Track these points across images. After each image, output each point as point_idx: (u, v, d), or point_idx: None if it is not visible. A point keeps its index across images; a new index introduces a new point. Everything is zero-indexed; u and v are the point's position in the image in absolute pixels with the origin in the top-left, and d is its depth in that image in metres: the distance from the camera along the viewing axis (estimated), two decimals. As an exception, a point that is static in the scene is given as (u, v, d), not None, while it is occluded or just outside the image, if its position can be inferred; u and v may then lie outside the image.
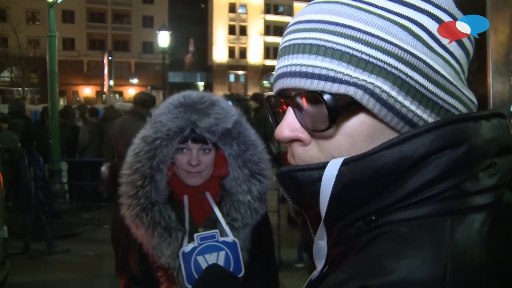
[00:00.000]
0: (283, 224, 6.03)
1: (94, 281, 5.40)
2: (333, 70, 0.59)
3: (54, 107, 7.56)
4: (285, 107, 0.66)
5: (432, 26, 0.59)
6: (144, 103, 5.57)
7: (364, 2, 0.60)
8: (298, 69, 0.61)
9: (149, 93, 6.89)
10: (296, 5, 62.80)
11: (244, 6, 60.83)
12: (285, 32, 0.67)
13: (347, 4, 0.60)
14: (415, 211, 0.56)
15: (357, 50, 0.58)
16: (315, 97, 0.60)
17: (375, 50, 0.58)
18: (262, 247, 1.80)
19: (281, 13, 62.87)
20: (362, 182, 0.58)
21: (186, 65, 59.88)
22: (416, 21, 0.59)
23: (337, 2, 0.61)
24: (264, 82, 62.96)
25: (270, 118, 0.73)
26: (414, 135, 0.57)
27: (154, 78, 46.15)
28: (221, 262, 1.61)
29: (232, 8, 60.31)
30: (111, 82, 33.81)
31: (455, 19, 0.61)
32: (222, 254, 1.62)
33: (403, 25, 0.58)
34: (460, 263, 0.51)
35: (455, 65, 0.61)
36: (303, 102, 0.63)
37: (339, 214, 0.61)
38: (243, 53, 61.72)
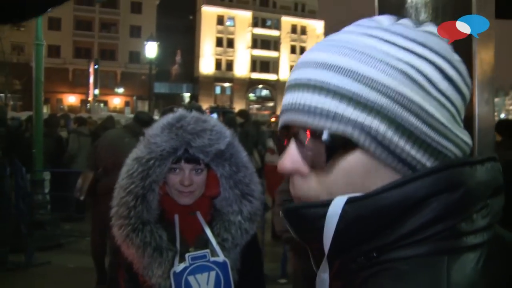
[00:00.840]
0: (266, 239, 6.04)
1: (75, 294, 5.34)
2: (333, 109, 0.62)
3: (39, 116, 7.51)
4: (289, 140, 0.70)
5: (430, 71, 0.63)
6: (141, 122, 5.56)
7: (366, 45, 0.64)
8: (301, 106, 0.65)
9: (148, 114, 6.94)
10: (284, 19, 63.41)
11: (232, 19, 61.23)
12: (293, 69, 0.71)
13: (350, 48, 0.64)
14: (414, 250, 0.60)
15: (356, 92, 0.62)
16: (315, 133, 0.64)
17: (374, 92, 0.61)
18: (252, 267, 1.82)
19: (269, 27, 63.38)
20: (365, 220, 0.61)
21: (172, 76, 59.86)
22: (415, 66, 0.62)
23: (340, 45, 0.65)
24: (250, 95, 63.16)
25: (276, 149, 0.77)
26: (415, 178, 0.60)
27: (140, 88, 46.09)
28: (211, 282, 1.63)
29: (220, 21, 60.66)
30: (96, 91, 33.64)
31: (451, 64, 0.64)
32: (212, 274, 1.64)
33: (402, 69, 0.62)
34: None
35: (451, 108, 0.65)
36: (304, 137, 0.66)
37: (341, 249, 0.64)
38: (229, 65, 61.99)
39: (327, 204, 0.63)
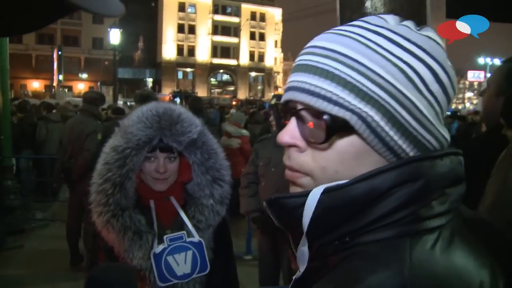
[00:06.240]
0: (232, 217, 6.10)
1: (48, 276, 5.24)
2: (336, 94, 0.67)
3: (6, 104, 7.24)
4: (289, 116, 0.74)
5: (424, 73, 0.68)
6: (94, 101, 5.60)
7: (372, 42, 0.68)
8: (307, 87, 0.69)
9: (98, 92, 6.93)
10: (244, 6, 62.89)
11: (193, 5, 60.26)
12: (302, 52, 0.75)
13: (358, 41, 0.69)
14: (382, 234, 0.66)
15: (359, 82, 0.66)
16: (317, 114, 0.69)
17: (374, 85, 0.66)
18: (223, 246, 1.87)
19: (229, 14, 62.80)
20: (338, 209, 0.67)
21: (135, 62, 58.61)
22: (413, 66, 0.67)
23: (350, 37, 0.70)
24: (211, 79, 62.68)
25: (275, 121, 0.82)
26: (381, 171, 0.66)
27: (104, 73, 44.92)
28: (189, 261, 1.68)
29: (182, 7, 59.62)
30: (61, 77, 32.65)
31: (444, 69, 0.70)
32: (189, 253, 1.68)
33: (401, 68, 0.67)
34: (418, 275, 0.61)
35: (437, 107, 0.71)
36: (306, 115, 0.71)
37: (318, 233, 0.70)
38: (191, 51, 61.21)
39: (305, 195, 0.69)
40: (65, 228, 5.51)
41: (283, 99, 0.75)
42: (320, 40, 0.72)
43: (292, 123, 0.73)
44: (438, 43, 0.72)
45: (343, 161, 0.70)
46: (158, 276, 1.62)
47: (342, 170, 0.70)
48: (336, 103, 0.67)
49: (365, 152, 0.69)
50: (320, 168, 0.71)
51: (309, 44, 0.74)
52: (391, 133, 0.67)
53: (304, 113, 0.71)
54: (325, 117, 0.67)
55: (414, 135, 0.69)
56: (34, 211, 7.53)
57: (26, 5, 0.65)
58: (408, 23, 0.73)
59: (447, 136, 0.73)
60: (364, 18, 0.74)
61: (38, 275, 5.25)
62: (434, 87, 0.69)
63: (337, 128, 0.67)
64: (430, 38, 0.71)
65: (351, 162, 0.69)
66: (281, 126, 0.77)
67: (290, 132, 0.73)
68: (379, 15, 0.74)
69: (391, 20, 0.73)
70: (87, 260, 5.31)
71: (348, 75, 0.67)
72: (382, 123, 0.67)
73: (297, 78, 0.71)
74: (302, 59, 0.73)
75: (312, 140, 0.70)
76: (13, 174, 7.31)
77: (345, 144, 0.69)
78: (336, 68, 0.67)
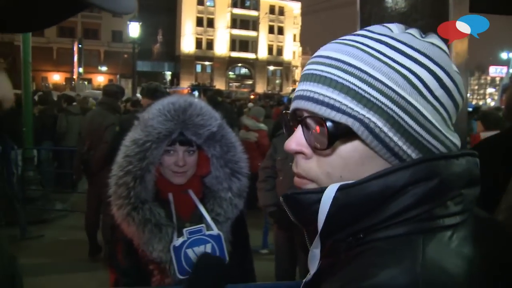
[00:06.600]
0: (248, 211, 6.12)
1: (68, 265, 5.34)
2: (339, 101, 0.68)
3: (28, 96, 7.37)
4: (297, 124, 0.76)
5: (428, 78, 0.68)
6: (114, 94, 5.64)
7: (374, 49, 0.69)
8: (311, 95, 0.71)
9: (118, 85, 6.96)
10: (262, 0, 62.63)
11: (212, -1, 60.30)
12: (308, 62, 0.77)
13: (360, 49, 0.70)
14: (395, 230, 0.67)
15: (361, 89, 0.67)
16: (320, 121, 0.70)
17: (376, 91, 0.67)
18: (240, 239, 1.88)
19: (248, 7, 62.60)
20: (353, 205, 0.68)
21: (154, 55, 58.91)
22: (416, 73, 0.68)
23: (353, 46, 0.71)
24: (230, 73, 62.70)
25: (284, 129, 0.83)
26: (396, 169, 0.67)
27: (123, 66, 45.34)
28: None
29: (201, 1, 59.69)
30: (81, 69, 33.03)
31: (448, 74, 0.70)
32: (208, 246, 1.69)
33: (404, 74, 0.68)
34: (430, 271, 0.61)
35: (443, 113, 0.71)
36: (311, 123, 0.73)
37: (333, 230, 0.71)
38: (210, 44, 61.28)
39: (321, 191, 0.70)
40: (84, 219, 5.61)
41: (291, 108, 0.77)
42: (325, 50, 0.74)
43: (299, 131, 0.75)
44: (442, 49, 0.72)
45: (347, 166, 0.71)
46: (178, 268, 1.64)
47: (346, 176, 0.71)
48: (338, 109, 0.68)
49: (369, 157, 0.70)
50: (325, 174, 0.73)
51: (315, 54, 0.76)
52: (395, 138, 0.68)
53: (309, 121, 0.73)
54: (328, 123, 0.68)
55: (419, 141, 0.69)
56: (54, 201, 7.66)
57: (45, 3, 0.67)
58: (413, 31, 0.74)
59: (457, 142, 0.73)
60: (369, 28, 0.75)
61: (57, 264, 5.35)
62: (439, 92, 0.69)
63: (339, 134, 0.69)
64: (433, 44, 0.72)
65: (356, 167, 0.70)
66: (290, 133, 0.79)
67: (297, 140, 0.75)
68: (384, 24, 0.75)
69: (395, 28, 0.74)
70: (105, 251, 5.42)
71: (350, 82, 0.68)
72: (386, 129, 0.68)
73: (303, 87, 0.73)
74: (308, 68, 0.75)
75: (317, 146, 0.72)
76: (34, 165, 7.42)
77: (348, 149, 0.70)
78: (338, 76, 0.69)
